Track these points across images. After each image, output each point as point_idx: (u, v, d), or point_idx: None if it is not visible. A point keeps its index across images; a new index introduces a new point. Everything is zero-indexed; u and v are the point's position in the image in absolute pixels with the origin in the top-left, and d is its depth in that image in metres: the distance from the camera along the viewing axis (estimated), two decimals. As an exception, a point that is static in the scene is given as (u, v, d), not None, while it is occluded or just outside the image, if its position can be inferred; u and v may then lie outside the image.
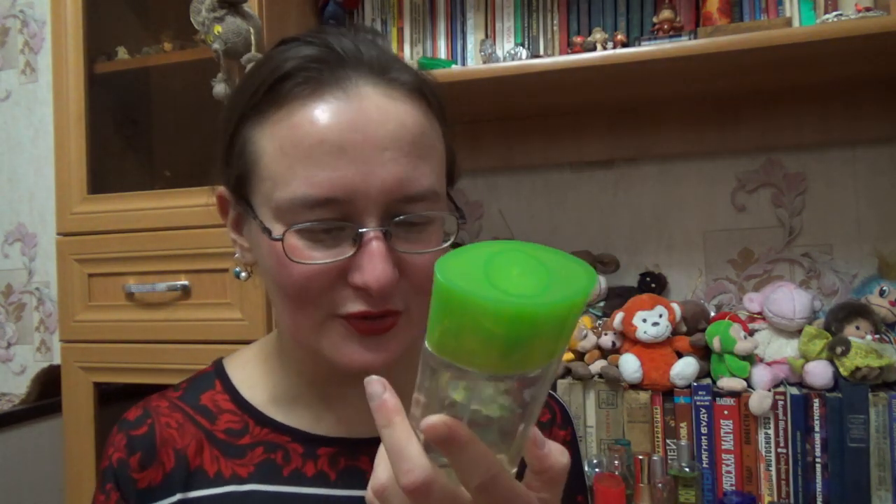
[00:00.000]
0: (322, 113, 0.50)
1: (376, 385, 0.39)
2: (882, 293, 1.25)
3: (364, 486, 0.58)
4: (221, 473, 0.58)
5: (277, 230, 0.51)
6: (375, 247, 0.50)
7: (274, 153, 0.52)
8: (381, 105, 0.51)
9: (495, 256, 0.35)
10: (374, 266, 0.49)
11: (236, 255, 0.61)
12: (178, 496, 0.58)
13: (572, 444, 0.68)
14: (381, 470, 0.39)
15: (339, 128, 0.50)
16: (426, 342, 0.36)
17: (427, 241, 0.53)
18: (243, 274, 0.63)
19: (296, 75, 0.52)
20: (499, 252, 0.35)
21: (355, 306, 0.51)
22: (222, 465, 0.59)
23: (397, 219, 0.51)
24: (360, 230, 0.50)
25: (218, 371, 0.65)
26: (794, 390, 1.18)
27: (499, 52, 1.44)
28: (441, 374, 0.36)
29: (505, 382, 0.35)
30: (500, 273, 0.34)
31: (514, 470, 0.40)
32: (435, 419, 0.35)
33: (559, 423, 0.67)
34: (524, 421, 0.37)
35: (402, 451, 0.37)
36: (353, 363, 0.53)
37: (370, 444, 0.59)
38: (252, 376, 0.64)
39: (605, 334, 1.31)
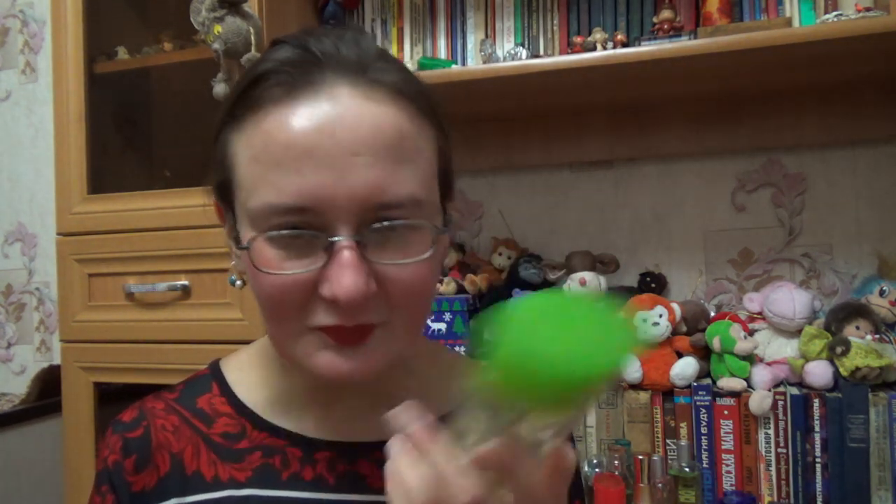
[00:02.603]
0: (292, 117, 0.48)
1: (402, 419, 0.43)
2: (882, 293, 1.25)
3: (362, 491, 0.57)
4: (219, 478, 0.58)
5: (248, 239, 0.50)
6: (345, 257, 0.47)
7: (247, 160, 0.50)
8: (357, 107, 0.49)
9: (567, 305, 0.40)
10: (343, 277, 0.47)
11: (232, 263, 0.59)
12: (174, 500, 0.58)
13: None
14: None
15: (308, 132, 0.48)
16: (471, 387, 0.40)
17: (408, 252, 0.50)
18: (238, 282, 0.62)
19: (269, 78, 0.50)
20: (567, 301, 0.41)
21: (328, 319, 0.49)
22: (220, 470, 0.58)
23: (372, 227, 0.48)
24: (330, 239, 0.48)
25: (214, 373, 0.64)
26: (794, 390, 1.18)
27: (499, 52, 1.44)
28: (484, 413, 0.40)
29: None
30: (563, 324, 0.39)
31: None
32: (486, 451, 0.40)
33: None
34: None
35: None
36: (327, 373, 0.51)
37: (369, 449, 0.59)
38: (249, 379, 0.63)
39: (605, 334, 1.31)
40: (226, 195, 0.55)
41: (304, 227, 0.48)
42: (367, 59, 0.51)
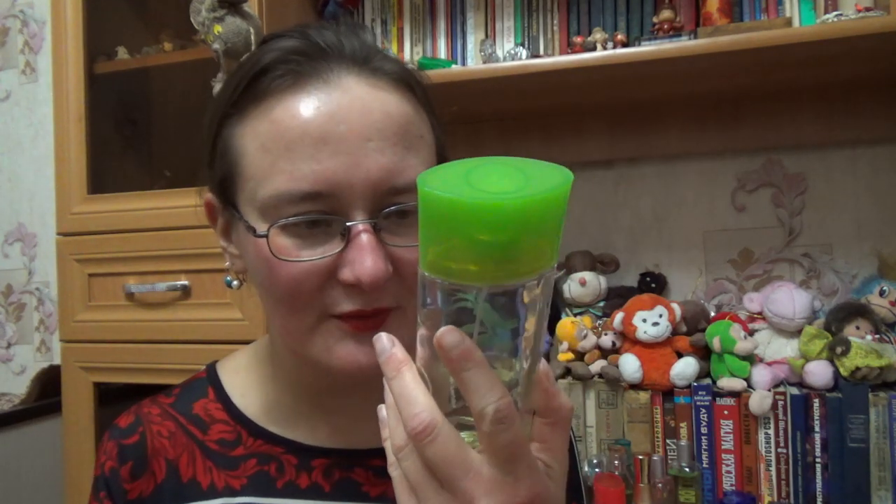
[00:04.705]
0: (303, 105, 0.49)
1: (385, 341, 0.39)
2: (882, 293, 1.25)
3: (358, 499, 0.57)
4: (214, 485, 0.57)
5: (262, 229, 0.50)
6: (365, 240, 0.48)
7: (256, 151, 0.50)
8: (365, 95, 0.50)
9: (474, 168, 0.35)
10: (364, 259, 0.47)
11: (227, 264, 0.59)
12: None
13: (569, 451, 0.66)
14: (399, 432, 0.38)
15: (321, 119, 0.48)
16: (420, 266, 0.36)
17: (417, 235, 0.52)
18: (235, 283, 0.61)
19: (275, 68, 0.50)
20: (477, 164, 0.36)
21: (348, 305, 0.49)
22: (215, 477, 0.58)
23: (386, 210, 0.49)
24: (347, 224, 0.48)
25: (211, 377, 0.63)
26: (794, 390, 1.18)
27: (499, 52, 1.44)
28: (438, 297, 0.36)
29: (503, 296, 0.35)
30: (480, 180, 0.34)
31: (529, 420, 0.39)
32: (444, 330, 0.35)
33: None
34: (529, 345, 0.37)
35: (409, 397, 0.37)
36: (347, 365, 0.51)
37: (364, 456, 0.58)
38: (245, 384, 0.62)
39: (605, 334, 1.31)
40: (227, 191, 0.54)
41: (319, 212, 0.49)
42: (369, 49, 0.53)
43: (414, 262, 0.49)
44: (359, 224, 0.48)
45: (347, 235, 0.48)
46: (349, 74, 0.50)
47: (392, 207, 0.49)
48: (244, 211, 0.52)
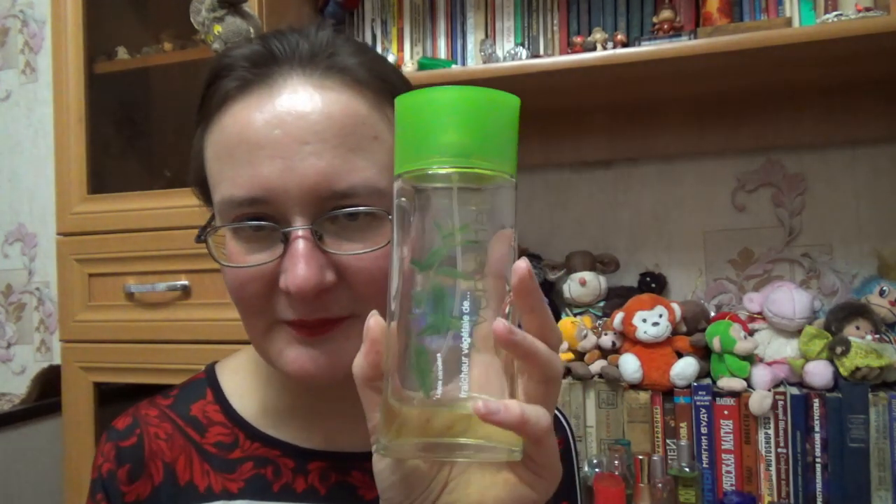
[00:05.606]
0: (245, 112, 0.49)
1: (509, 330, 0.36)
2: (882, 293, 1.25)
3: (354, 501, 0.56)
4: (212, 488, 0.57)
5: (210, 233, 0.51)
6: (298, 247, 0.46)
7: (211, 158, 0.51)
8: (307, 97, 0.48)
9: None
10: (296, 267, 0.46)
11: None
12: None
13: (565, 454, 0.64)
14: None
15: (259, 124, 0.48)
16: (395, 179, 0.36)
17: (368, 242, 0.48)
18: None
19: (227, 76, 0.50)
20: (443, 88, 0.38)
21: (290, 313, 0.49)
22: (213, 480, 0.57)
23: (329, 214, 0.47)
24: (284, 230, 0.47)
25: (210, 378, 0.63)
26: (794, 390, 1.18)
27: (499, 52, 1.44)
28: (413, 203, 0.36)
29: (473, 194, 0.36)
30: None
31: None
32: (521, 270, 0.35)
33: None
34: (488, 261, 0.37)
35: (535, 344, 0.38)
36: (297, 370, 0.50)
37: (361, 459, 0.57)
38: (243, 385, 0.62)
39: (605, 334, 1.31)
40: (205, 194, 0.55)
41: (261, 218, 0.48)
42: (322, 47, 0.51)
43: (365, 269, 0.48)
44: (295, 230, 0.47)
45: (286, 242, 0.47)
46: (295, 76, 0.49)
47: (333, 212, 0.47)
48: (216, 216, 0.53)
